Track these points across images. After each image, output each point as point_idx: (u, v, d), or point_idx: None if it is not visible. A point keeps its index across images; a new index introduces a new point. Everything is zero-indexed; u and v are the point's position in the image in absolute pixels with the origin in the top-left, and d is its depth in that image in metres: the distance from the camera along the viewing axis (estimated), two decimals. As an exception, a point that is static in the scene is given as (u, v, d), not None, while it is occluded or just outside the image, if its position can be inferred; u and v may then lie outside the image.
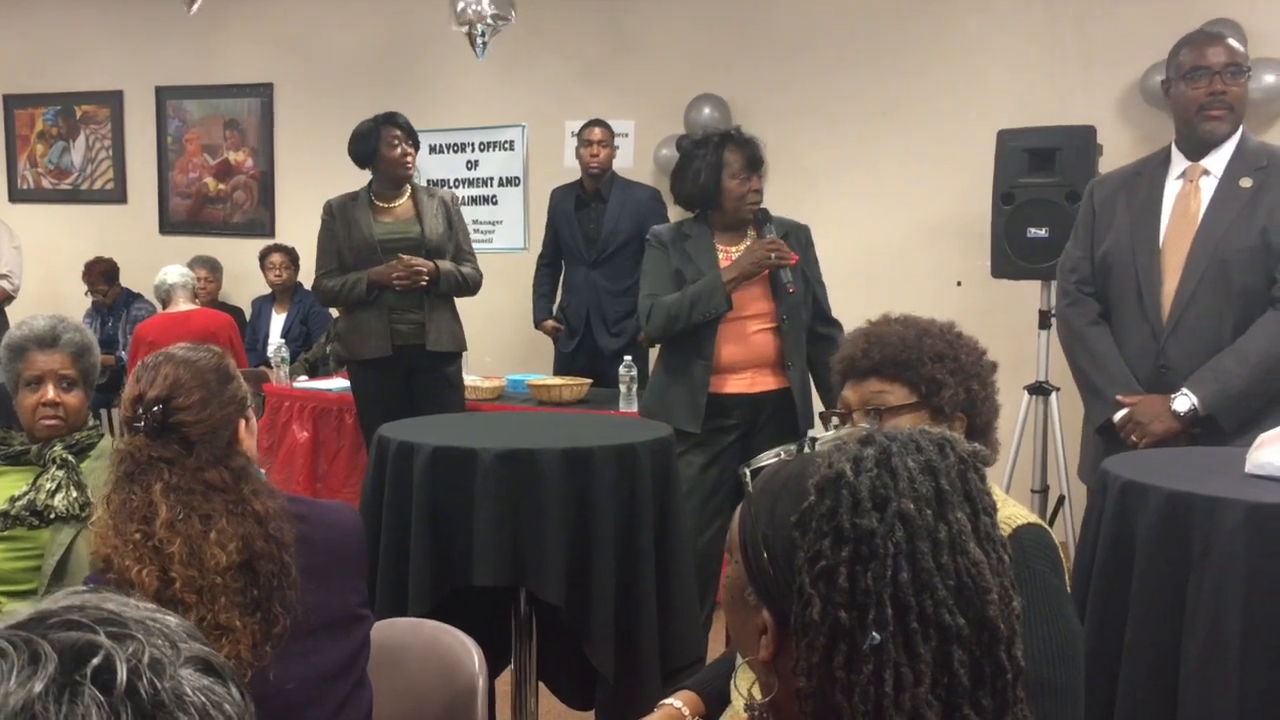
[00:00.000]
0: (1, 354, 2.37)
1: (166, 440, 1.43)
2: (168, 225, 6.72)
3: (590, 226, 4.89)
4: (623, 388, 4.14)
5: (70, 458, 2.28)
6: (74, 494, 2.22)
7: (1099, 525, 1.93)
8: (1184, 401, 2.52)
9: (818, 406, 3.14)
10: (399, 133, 3.94)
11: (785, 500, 0.90)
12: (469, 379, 4.33)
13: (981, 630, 0.84)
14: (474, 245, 4.22)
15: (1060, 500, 4.40)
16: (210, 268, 6.13)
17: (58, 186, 6.97)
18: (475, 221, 5.79)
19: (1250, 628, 1.68)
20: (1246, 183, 2.58)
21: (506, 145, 5.82)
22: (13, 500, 2.21)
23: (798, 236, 3.12)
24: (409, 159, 3.97)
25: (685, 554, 2.29)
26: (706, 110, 5.34)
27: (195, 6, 4.07)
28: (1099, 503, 1.97)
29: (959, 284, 4.99)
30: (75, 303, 6.28)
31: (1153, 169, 2.72)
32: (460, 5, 4.68)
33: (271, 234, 6.37)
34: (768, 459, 0.97)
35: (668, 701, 1.53)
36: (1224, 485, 1.81)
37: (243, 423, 1.53)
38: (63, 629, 0.60)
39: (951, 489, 0.86)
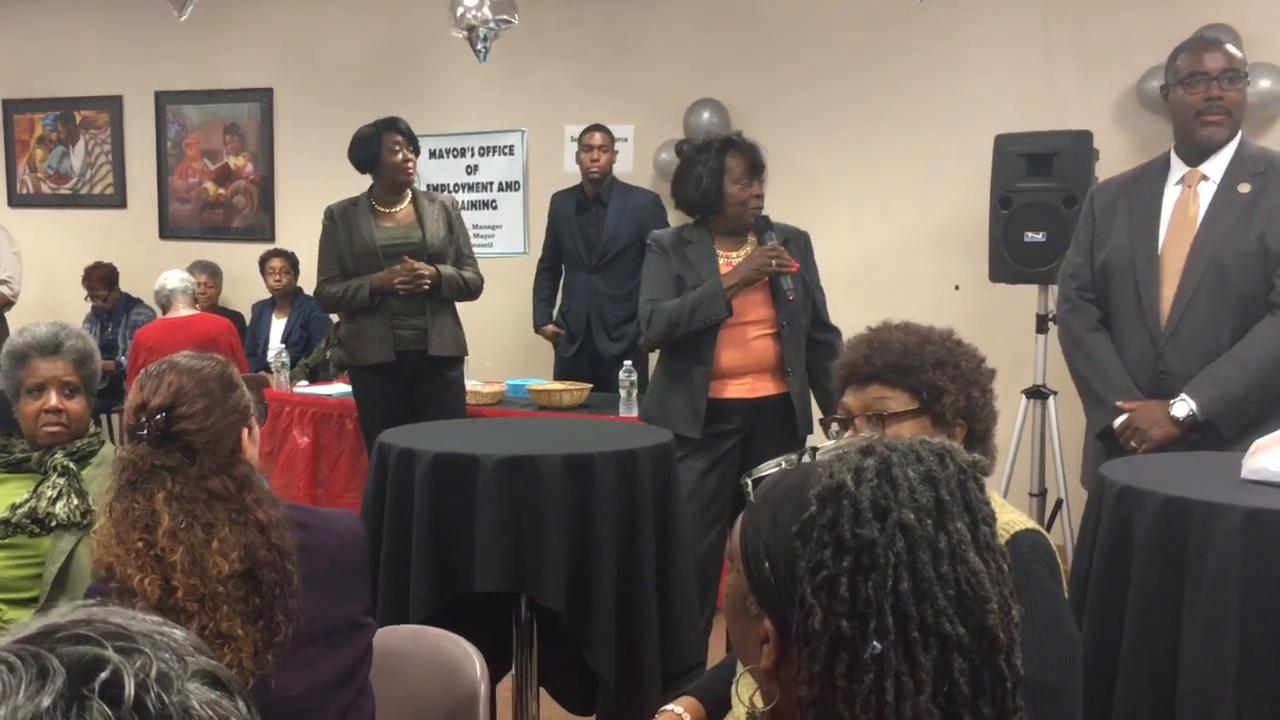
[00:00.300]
0: (3, 361, 2.37)
1: (169, 449, 1.43)
2: (167, 230, 6.72)
3: (591, 231, 4.90)
4: (623, 392, 4.15)
5: (71, 465, 2.28)
6: (75, 501, 2.22)
7: (1096, 530, 1.94)
8: (1183, 407, 2.53)
9: (816, 413, 3.15)
10: (400, 138, 3.95)
11: (786, 510, 0.91)
12: (470, 384, 4.34)
13: (981, 639, 0.84)
14: (474, 250, 4.23)
15: (1058, 504, 4.40)
16: (210, 273, 6.14)
17: (57, 191, 6.98)
18: (475, 226, 5.79)
19: (1247, 631, 1.69)
20: (1245, 188, 2.59)
21: (506, 150, 5.82)
22: (14, 508, 2.21)
23: (797, 243, 3.13)
24: (410, 164, 3.98)
25: (686, 559, 2.29)
26: (706, 115, 5.36)
27: (187, 12, 4.07)
28: (1096, 507, 1.98)
29: (957, 288, 5.01)
30: (75, 308, 6.28)
31: (1152, 175, 2.73)
32: (460, 10, 4.69)
33: (271, 239, 6.37)
34: (769, 468, 0.97)
35: (669, 708, 1.54)
36: (1220, 490, 1.82)
37: (245, 431, 1.53)
38: (71, 643, 0.60)
39: (951, 499, 0.87)
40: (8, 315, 6.02)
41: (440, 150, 5.93)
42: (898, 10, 5.12)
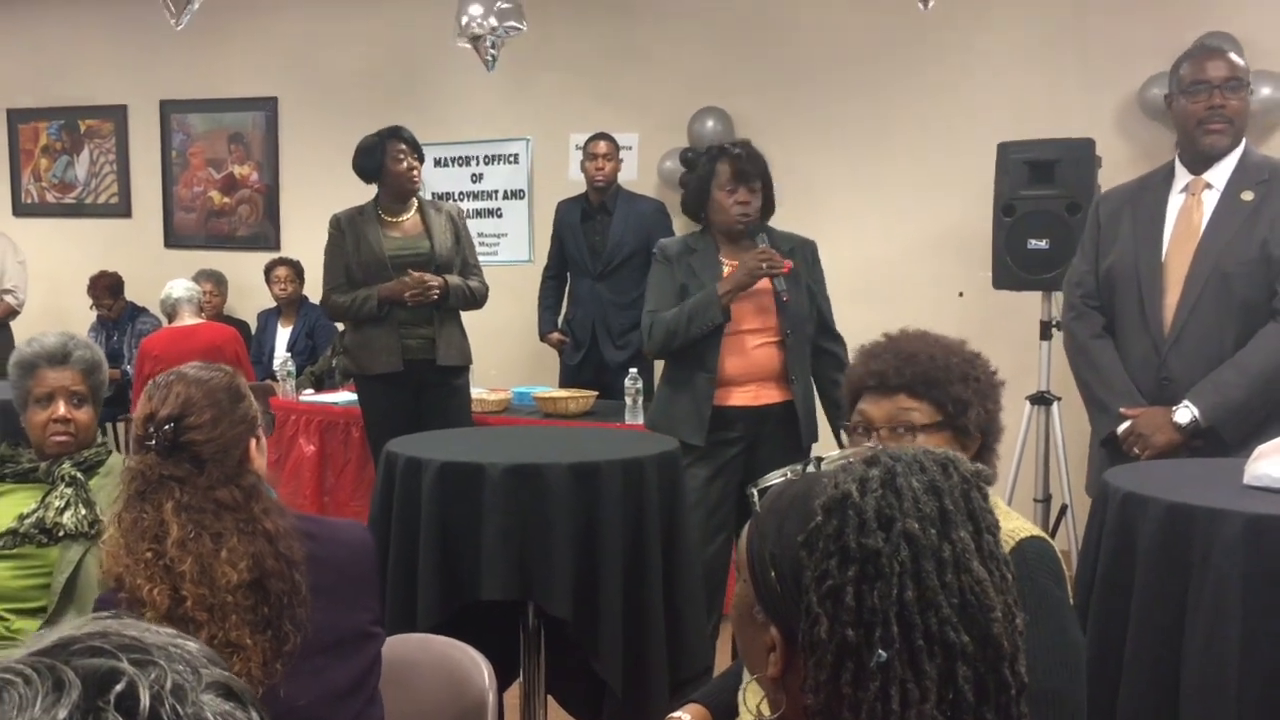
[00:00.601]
0: (11, 371, 2.38)
1: (178, 459, 1.44)
2: (172, 239, 6.74)
3: (596, 239, 4.91)
4: (628, 400, 4.16)
5: (79, 475, 2.29)
6: (83, 511, 2.23)
7: (1100, 536, 1.94)
8: (1185, 413, 2.54)
9: (821, 419, 3.15)
10: (404, 147, 3.96)
11: (792, 519, 0.92)
12: (476, 392, 4.35)
13: (985, 647, 0.85)
14: (479, 258, 4.24)
15: (1063, 510, 4.40)
16: (215, 281, 6.15)
17: (62, 201, 7.00)
18: (480, 234, 5.81)
19: (1249, 638, 1.69)
20: (1248, 196, 2.60)
21: (511, 158, 5.85)
22: (21, 518, 2.22)
23: (803, 252, 3.13)
24: (415, 172, 3.99)
25: (692, 566, 2.30)
26: (710, 123, 5.37)
27: (184, 21, 4.09)
28: (1100, 514, 1.99)
29: (960, 295, 5.01)
30: (80, 317, 6.30)
31: (1157, 183, 2.74)
32: (465, 20, 4.71)
33: (276, 247, 6.39)
34: (774, 478, 0.98)
35: (675, 715, 1.54)
36: (1223, 497, 1.83)
37: (253, 441, 1.54)
38: (86, 655, 0.61)
39: (955, 508, 0.88)
40: (13, 325, 6.04)
41: (445, 159, 5.96)
42: (901, 19, 5.13)
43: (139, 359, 5.19)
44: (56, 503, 2.24)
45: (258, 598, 1.39)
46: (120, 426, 6.06)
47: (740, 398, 3.01)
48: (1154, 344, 2.63)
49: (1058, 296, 4.26)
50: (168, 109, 6.64)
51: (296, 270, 5.89)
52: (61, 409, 2.30)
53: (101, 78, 6.73)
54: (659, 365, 3.64)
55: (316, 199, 5.87)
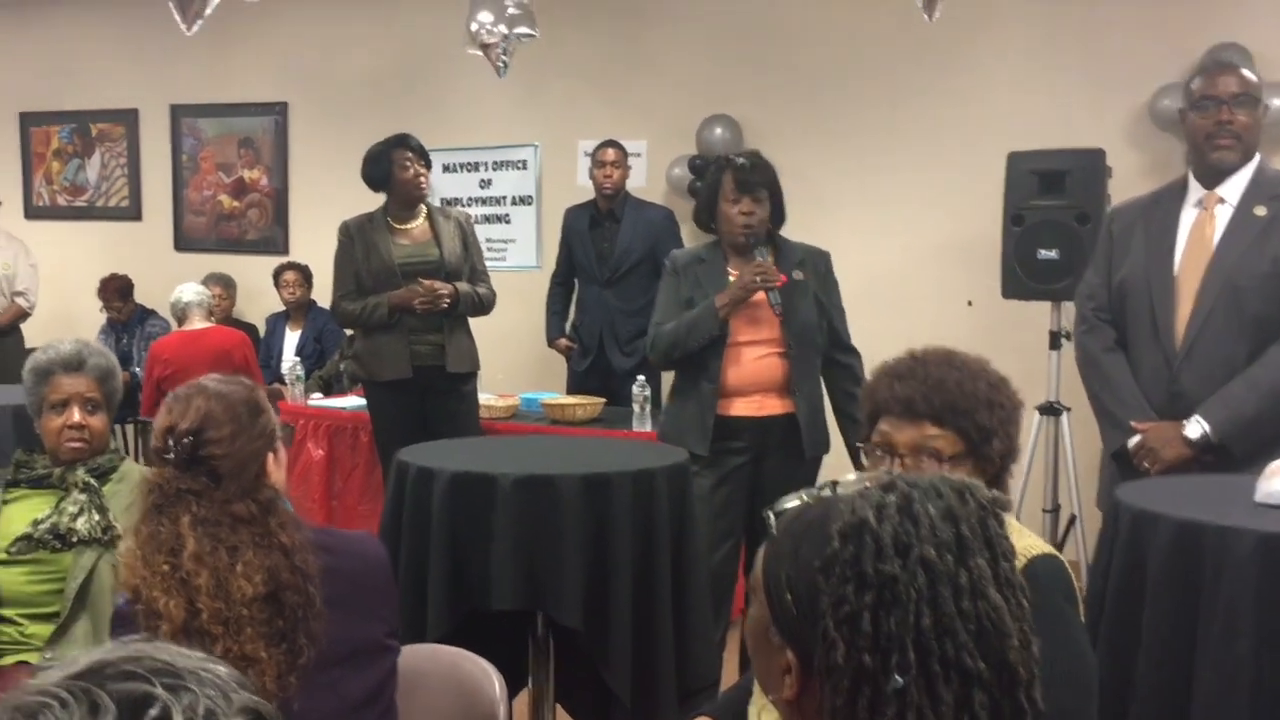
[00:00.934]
0: (26, 377, 2.39)
1: (195, 473, 1.45)
2: (182, 242, 6.77)
3: (604, 246, 4.92)
4: (636, 407, 4.17)
5: (93, 481, 2.30)
6: (96, 518, 2.25)
7: (1111, 554, 1.95)
8: (1196, 428, 2.54)
9: (833, 430, 3.14)
10: (410, 154, 3.97)
11: (808, 543, 0.92)
12: (484, 397, 4.36)
13: (1001, 673, 0.86)
14: (487, 264, 4.25)
15: (1071, 520, 4.40)
16: (224, 284, 6.17)
17: (73, 204, 7.03)
18: (488, 240, 5.82)
19: (1261, 655, 1.69)
20: (1261, 211, 2.60)
21: (519, 164, 5.87)
22: (36, 523, 2.24)
23: (814, 263, 3.13)
24: (422, 180, 4.00)
25: (701, 577, 2.31)
26: (719, 131, 5.38)
27: (196, 26, 4.10)
28: (1111, 531, 1.99)
29: (970, 304, 5.01)
30: (90, 319, 6.33)
31: (1170, 197, 2.74)
32: (475, 27, 4.72)
33: (285, 251, 6.41)
34: (790, 501, 0.99)
35: None
36: (1234, 515, 1.83)
37: (271, 456, 1.55)
38: (120, 680, 0.62)
39: (972, 535, 0.88)
40: (23, 327, 6.06)
41: (454, 164, 5.98)
42: (911, 28, 5.14)
43: (149, 362, 5.20)
44: (70, 509, 2.26)
45: (273, 611, 1.39)
46: (129, 429, 6.08)
47: (744, 408, 3.01)
48: (1166, 358, 2.63)
49: (1067, 306, 4.26)
50: (178, 113, 6.66)
51: (305, 275, 5.91)
52: (76, 415, 2.32)
53: (113, 82, 6.76)
54: (667, 372, 3.64)
55: (325, 204, 5.89)
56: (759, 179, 3.04)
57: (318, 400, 4.84)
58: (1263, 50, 4.58)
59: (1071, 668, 1.46)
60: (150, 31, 6.45)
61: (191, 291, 5.25)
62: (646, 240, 4.84)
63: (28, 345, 6.16)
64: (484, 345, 4.23)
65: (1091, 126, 4.78)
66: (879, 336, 4.41)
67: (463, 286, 3.98)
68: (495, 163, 5.92)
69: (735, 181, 3.03)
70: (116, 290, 6.20)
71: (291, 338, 5.91)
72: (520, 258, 5.88)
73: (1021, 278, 4.38)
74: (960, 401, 1.57)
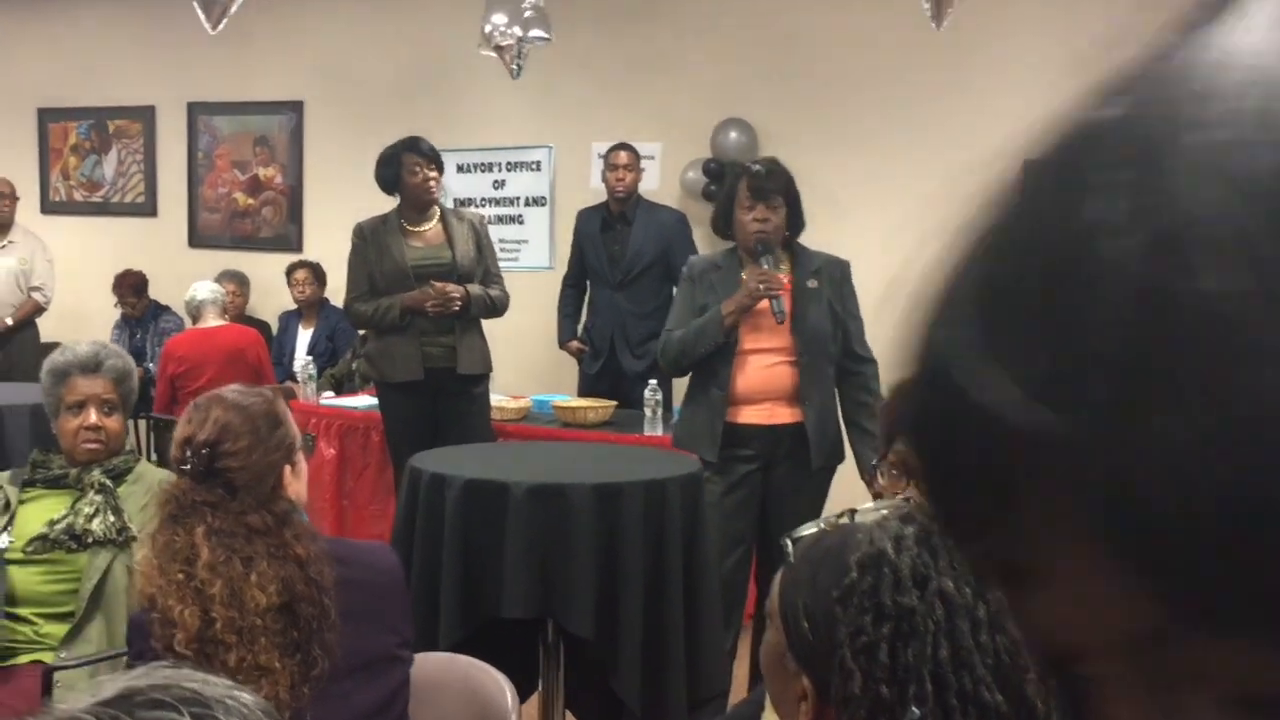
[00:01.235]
0: (44, 379, 2.41)
1: (211, 484, 1.46)
2: (197, 239, 6.79)
3: (615, 249, 4.92)
4: (648, 411, 4.16)
5: (108, 482, 2.32)
6: (111, 519, 2.26)
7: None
8: None
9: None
10: (420, 159, 3.97)
11: (826, 572, 0.92)
12: (495, 399, 4.37)
13: (1020, 707, 0.86)
14: (500, 265, 4.25)
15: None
16: (238, 282, 6.19)
17: (89, 199, 7.06)
18: (501, 240, 5.82)
19: None
20: None
21: (533, 166, 5.87)
22: (52, 523, 2.26)
23: (830, 271, 3.12)
24: (432, 183, 3.99)
25: (712, 587, 2.31)
26: (733, 135, 5.37)
27: (220, 25, 4.12)
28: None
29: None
30: (104, 315, 6.36)
31: None
32: (489, 29, 4.73)
33: (299, 249, 6.43)
34: (809, 529, 0.99)
35: None
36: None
37: (288, 468, 1.55)
38: (149, 708, 0.63)
39: (990, 567, 0.88)
40: (39, 322, 6.09)
41: (468, 165, 5.98)
42: (926, 31, 5.12)
43: (163, 360, 5.23)
44: (86, 509, 2.27)
45: (287, 621, 1.40)
46: (142, 424, 6.10)
47: (754, 416, 3.01)
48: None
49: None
50: (195, 111, 6.69)
51: (316, 273, 5.92)
52: (93, 417, 2.34)
53: (131, 79, 6.79)
54: (677, 378, 3.64)
55: (339, 202, 5.90)
56: (774, 186, 3.03)
57: (329, 399, 4.85)
58: None
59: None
60: (168, 29, 6.47)
61: (206, 289, 5.27)
62: (658, 243, 4.84)
63: (43, 340, 6.19)
64: (496, 346, 4.23)
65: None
66: (895, 342, 4.40)
67: (474, 289, 3.98)
68: (509, 163, 5.93)
69: (750, 188, 3.02)
70: (131, 286, 6.23)
71: (304, 336, 5.93)
72: (533, 258, 5.88)
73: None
74: None
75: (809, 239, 3.25)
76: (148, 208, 6.88)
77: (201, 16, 3.94)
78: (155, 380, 5.42)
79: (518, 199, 5.96)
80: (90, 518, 2.26)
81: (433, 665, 1.70)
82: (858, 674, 0.85)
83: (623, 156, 4.90)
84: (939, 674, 0.84)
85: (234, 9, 3.77)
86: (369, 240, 4.00)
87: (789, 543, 0.98)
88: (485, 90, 5.84)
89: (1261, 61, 0.24)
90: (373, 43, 6.21)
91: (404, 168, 3.96)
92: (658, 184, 5.40)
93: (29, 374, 5.56)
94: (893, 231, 5.62)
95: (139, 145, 6.84)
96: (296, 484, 1.58)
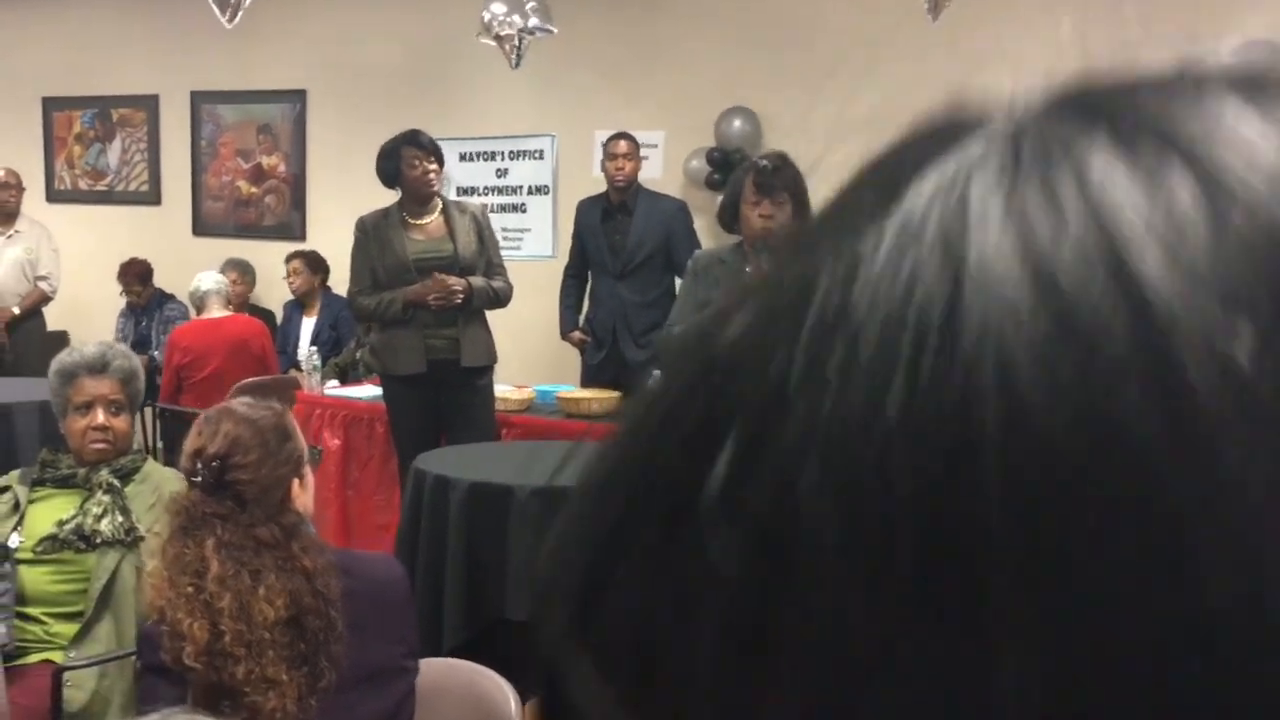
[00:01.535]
0: (51, 379, 2.44)
1: (221, 496, 1.48)
2: (201, 227, 6.81)
3: (616, 239, 4.91)
4: (650, 403, 4.18)
5: (116, 482, 2.34)
6: (119, 519, 2.29)
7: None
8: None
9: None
10: (419, 152, 3.97)
11: None
12: (500, 389, 4.38)
13: None
14: (503, 254, 4.26)
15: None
16: (240, 270, 6.20)
17: (94, 188, 7.08)
18: (504, 229, 5.83)
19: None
20: None
21: (536, 154, 5.87)
22: (60, 524, 2.29)
23: None
24: (431, 176, 4.00)
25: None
26: (737, 123, 5.36)
27: (236, 20, 4.13)
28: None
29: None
30: (109, 303, 6.38)
31: None
32: (488, 18, 4.72)
33: (303, 237, 6.45)
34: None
35: None
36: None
37: (296, 481, 1.58)
38: None
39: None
40: (45, 311, 6.12)
41: (470, 153, 5.98)
42: (933, 21, 5.11)
43: (168, 350, 5.25)
44: (94, 510, 2.30)
45: (294, 634, 1.43)
46: (148, 413, 6.14)
47: None
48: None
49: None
50: (198, 100, 6.69)
51: (309, 262, 5.92)
52: (100, 417, 2.36)
53: (134, 68, 6.79)
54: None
55: (342, 190, 5.91)
56: (780, 182, 3.03)
57: (334, 389, 4.87)
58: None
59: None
60: (171, 18, 6.47)
61: (210, 280, 5.29)
62: (659, 232, 4.84)
63: (50, 329, 6.22)
64: (498, 335, 4.25)
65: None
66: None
67: (477, 281, 4.00)
68: (512, 152, 5.93)
69: (756, 184, 3.03)
70: (136, 275, 6.24)
71: (307, 324, 5.95)
72: (536, 247, 5.89)
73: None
74: None
75: None
76: (152, 196, 6.90)
77: (216, 11, 3.95)
78: (161, 369, 5.44)
79: (520, 188, 5.96)
80: (99, 518, 2.29)
81: (436, 671, 1.73)
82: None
83: (622, 145, 4.89)
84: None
85: (247, 2, 3.77)
86: (370, 234, 4.02)
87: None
88: (488, 79, 5.84)
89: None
90: (375, 31, 6.21)
91: (404, 161, 3.97)
92: (661, 173, 5.40)
93: (36, 363, 5.60)
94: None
95: (143, 134, 6.85)
96: (304, 497, 1.60)
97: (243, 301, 6.14)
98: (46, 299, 6.05)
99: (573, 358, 5.28)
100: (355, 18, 6.25)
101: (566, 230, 5.41)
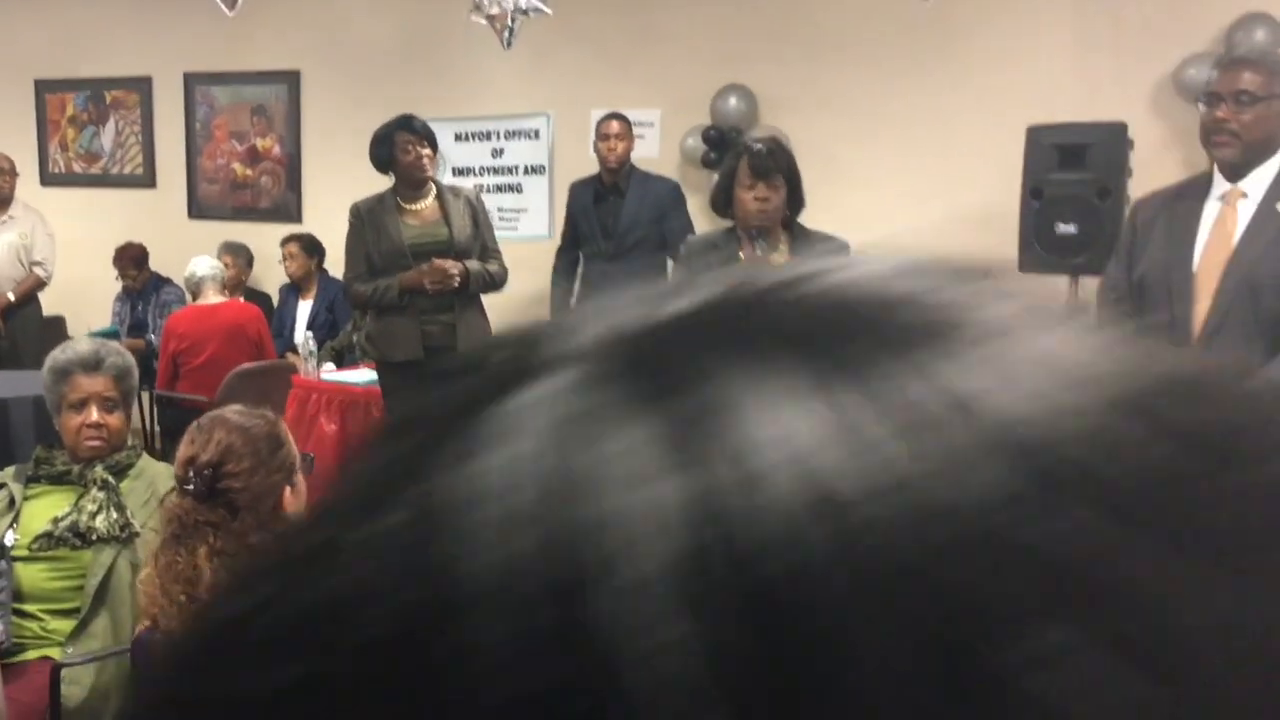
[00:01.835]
0: (45, 376, 2.43)
1: (214, 505, 1.47)
2: (196, 210, 6.77)
3: (609, 220, 4.87)
4: (648, 385, 4.17)
5: (110, 479, 2.34)
6: (114, 515, 2.29)
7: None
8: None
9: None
10: (412, 137, 3.94)
11: None
12: (495, 374, 4.37)
13: None
14: (498, 233, 4.23)
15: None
16: (234, 253, 6.17)
17: (88, 171, 7.03)
18: (500, 209, 5.80)
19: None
20: None
21: (532, 134, 5.82)
22: (56, 521, 2.28)
23: (831, 252, 3.10)
24: (425, 160, 3.97)
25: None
26: (733, 101, 5.32)
27: (237, 7, 4.08)
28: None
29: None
30: (105, 287, 6.36)
31: (1194, 191, 2.71)
32: (479, -1, 4.67)
33: (299, 219, 6.41)
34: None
35: None
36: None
37: (288, 488, 1.57)
38: None
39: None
40: (40, 296, 6.09)
41: (466, 133, 5.94)
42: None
43: (164, 337, 5.24)
44: (89, 507, 2.30)
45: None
46: (144, 397, 6.12)
47: None
48: (1181, 354, 2.61)
49: (1085, 281, 4.22)
50: (192, 81, 6.63)
51: (305, 245, 5.89)
52: (94, 414, 2.35)
53: (127, 50, 6.73)
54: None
55: (338, 171, 5.87)
56: (774, 165, 3.00)
57: (330, 374, 4.85)
58: (1290, 21, 4.49)
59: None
60: (164, 0, 6.41)
61: (205, 265, 5.27)
62: (652, 213, 4.80)
63: (46, 314, 6.20)
64: (495, 315, 4.23)
65: (1114, 96, 4.71)
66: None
67: (473, 265, 3.98)
68: (507, 132, 5.88)
69: (751, 167, 2.99)
70: (132, 259, 6.22)
71: (304, 308, 5.92)
72: (532, 227, 5.86)
73: (1040, 251, 4.35)
74: None
75: (809, 204, 3.18)
76: (146, 179, 6.86)
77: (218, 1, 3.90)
78: (158, 353, 5.43)
79: (516, 167, 5.92)
80: (94, 515, 2.28)
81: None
82: None
83: (614, 126, 4.84)
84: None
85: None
86: (365, 220, 3.99)
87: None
88: (483, 58, 5.78)
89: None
90: (369, 11, 6.14)
91: (397, 147, 3.94)
92: (658, 151, 5.36)
93: (32, 350, 5.58)
94: (892, 196, 5.64)
95: (136, 116, 6.80)
96: (296, 503, 1.59)
97: (238, 285, 6.11)
98: (42, 284, 6.02)
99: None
100: (348, -3, 6.18)
101: (563, 210, 5.38)
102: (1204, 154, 2.84)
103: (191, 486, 1.48)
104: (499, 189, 5.89)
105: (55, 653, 2.23)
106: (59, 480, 2.38)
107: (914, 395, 0.18)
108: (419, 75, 5.95)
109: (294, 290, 6.00)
